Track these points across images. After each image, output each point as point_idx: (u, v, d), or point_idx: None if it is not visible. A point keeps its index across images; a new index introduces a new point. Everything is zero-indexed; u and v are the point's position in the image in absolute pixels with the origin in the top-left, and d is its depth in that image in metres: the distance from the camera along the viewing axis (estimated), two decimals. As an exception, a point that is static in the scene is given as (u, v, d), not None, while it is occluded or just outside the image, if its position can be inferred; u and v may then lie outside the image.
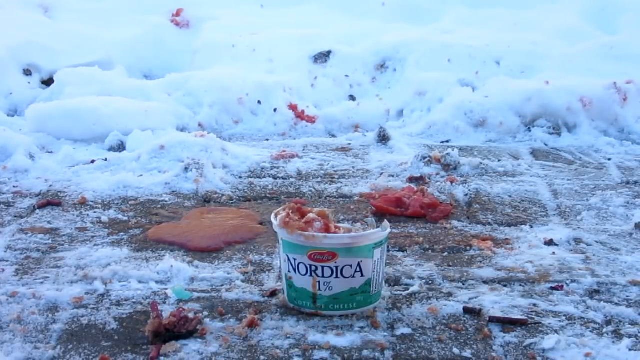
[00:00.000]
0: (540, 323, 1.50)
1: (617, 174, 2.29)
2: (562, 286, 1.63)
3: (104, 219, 1.98)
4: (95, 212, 2.02)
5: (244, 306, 1.57)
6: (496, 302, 1.56)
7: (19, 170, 2.29)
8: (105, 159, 2.36)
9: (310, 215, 1.53)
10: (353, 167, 2.36)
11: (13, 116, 2.80)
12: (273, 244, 1.81)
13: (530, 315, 1.53)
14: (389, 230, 1.53)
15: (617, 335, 1.46)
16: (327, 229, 1.51)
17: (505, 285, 1.65)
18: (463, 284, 1.66)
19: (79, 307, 1.57)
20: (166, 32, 3.47)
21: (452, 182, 2.20)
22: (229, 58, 3.17)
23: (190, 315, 1.49)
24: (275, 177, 2.27)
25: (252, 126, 2.76)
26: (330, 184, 2.23)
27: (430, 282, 1.67)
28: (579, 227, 1.93)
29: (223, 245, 1.84)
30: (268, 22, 3.51)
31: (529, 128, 2.67)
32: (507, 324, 1.50)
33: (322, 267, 1.49)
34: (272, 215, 1.55)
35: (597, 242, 1.85)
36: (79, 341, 1.45)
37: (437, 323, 1.51)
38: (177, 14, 3.57)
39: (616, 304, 1.57)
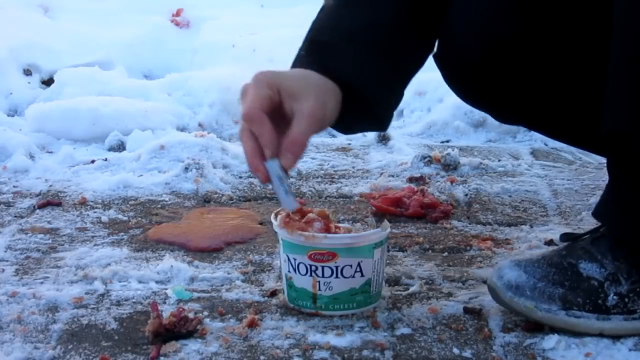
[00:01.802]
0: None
1: (617, 174, 2.29)
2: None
3: (104, 219, 1.98)
4: (95, 212, 2.02)
5: (244, 306, 1.57)
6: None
7: (19, 170, 2.29)
8: (105, 159, 2.36)
9: (311, 215, 1.53)
10: (353, 167, 2.36)
11: (13, 116, 2.80)
12: (273, 244, 1.81)
13: (530, 315, 1.53)
14: (389, 230, 1.53)
15: (618, 336, 1.46)
16: (327, 229, 1.51)
17: (505, 285, 1.64)
18: (463, 284, 1.66)
19: (79, 307, 1.57)
20: (166, 32, 3.47)
21: (452, 182, 2.20)
22: (229, 58, 3.17)
23: (190, 315, 1.49)
24: (275, 177, 2.27)
25: (252, 126, 2.76)
26: (330, 184, 2.23)
27: (430, 282, 1.67)
28: (579, 227, 1.92)
29: (223, 245, 1.84)
30: (268, 22, 3.51)
31: (529, 128, 2.67)
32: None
33: (322, 267, 1.49)
34: (272, 215, 1.55)
35: (597, 242, 1.85)
36: (79, 341, 1.45)
37: (437, 323, 1.51)
38: (177, 14, 3.57)
39: (616, 304, 1.57)
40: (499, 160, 2.40)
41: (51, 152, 2.47)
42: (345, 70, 1.46)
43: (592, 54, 1.49)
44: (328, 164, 2.38)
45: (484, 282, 1.64)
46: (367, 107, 1.49)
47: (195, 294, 1.61)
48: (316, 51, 1.48)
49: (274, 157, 1.41)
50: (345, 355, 1.41)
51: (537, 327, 1.48)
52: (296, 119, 1.41)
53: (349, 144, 2.58)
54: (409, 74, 1.55)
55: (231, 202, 2.11)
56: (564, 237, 1.57)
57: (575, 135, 1.67)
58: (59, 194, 2.14)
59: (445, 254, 1.81)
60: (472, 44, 1.53)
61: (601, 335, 1.45)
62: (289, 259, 1.51)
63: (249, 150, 1.42)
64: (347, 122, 1.48)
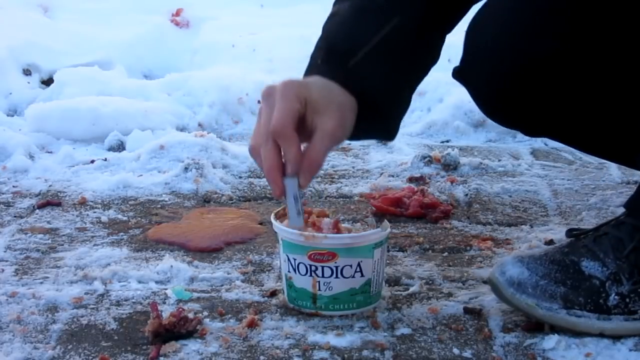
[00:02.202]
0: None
1: (617, 174, 2.29)
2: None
3: (104, 219, 1.98)
4: (95, 212, 2.02)
5: (244, 306, 1.57)
6: (496, 302, 1.56)
7: (19, 170, 2.29)
8: (105, 159, 2.36)
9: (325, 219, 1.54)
10: (353, 167, 2.36)
11: (13, 116, 2.79)
12: (273, 244, 1.81)
13: (530, 315, 1.53)
14: (389, 230, 1.53)
15: (618, 336, 1.46)
16: (336, 227, 1.51)
17: (505, 285, 1.64)
18: (463, 284, 1.66)
19: (79, 307, 1.57)
20: (166, 32, 3.46)
21: (452, 182, 2.20)
22: (229, 58, 3.17)
23: (190, 315, 1.49)
24: (275, 177, 2.26)
25: (252, 126, 2.74)
26: (330, 184, 2.23)
27: (430, 282, 1.67)
28: (579, 227, 1.92)
29: (223, 245, 1.84)
30: (268, 22, 3.51)
31: (529, 128, 2.67)
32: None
33: (322, 267, 1.49)
34: (272, 215, 1.55)
35: (597, 242, 1.85)
36: (78, 341, 1.45)
37: (437, 323, 1.51)
38: (177, 14, 3.57)
39: (616, 304, 1.57)
40: (499, 160, 2.40)
41: (51, 152, 2.47)
42: (366, 84, 1.44)
43: (628, 64, 1.47)
44: (328, 164, 2.38)
45: (484, 282, 1.64)
46: (381, 118, 1.48)
47: (195, 294, 1.61)
48: (336, 62, 1.45)
49: (294, 175, 1.40)
50: (345, 356, 1.41)
51: (537, 327, 1.48)
52: (317, 137, 1.40)
53: (349, 144, 2.57)
54: (418, 82, 1.55)
55: (231, 202, 2.11)
56: (569, 232, 1.56)
57: (610, 149, 1.66)
58: (59, 194, 2.14)
59: (445, 254, 1.81)
60: (504, 60, 1.52)
61: (601, 335, 1.45)
62: (289, 259, 1.51)
63: (272, 164, 1.40)
64: (356, 132, 1.47)
